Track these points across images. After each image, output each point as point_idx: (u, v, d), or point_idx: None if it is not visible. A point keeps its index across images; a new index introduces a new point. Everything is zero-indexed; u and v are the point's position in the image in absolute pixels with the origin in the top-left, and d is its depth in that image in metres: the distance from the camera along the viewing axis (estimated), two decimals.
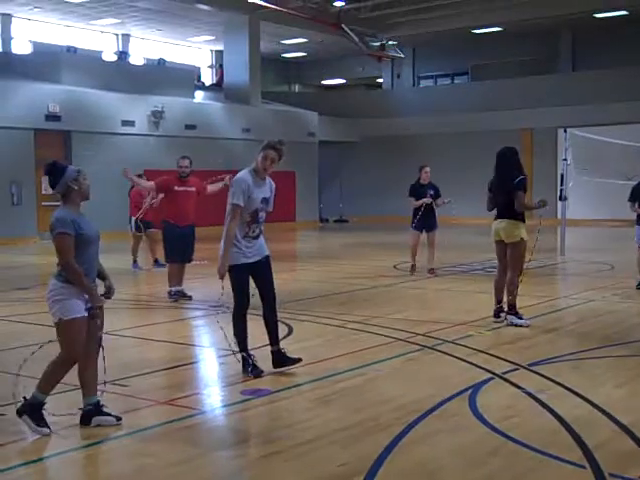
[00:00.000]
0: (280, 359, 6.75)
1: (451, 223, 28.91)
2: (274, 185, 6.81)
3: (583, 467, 4.43)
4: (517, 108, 30.45)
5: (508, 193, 8.84)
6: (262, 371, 6.59)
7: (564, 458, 4.57)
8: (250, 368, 6.58)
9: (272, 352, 6.76)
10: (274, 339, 6.79)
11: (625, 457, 4.64)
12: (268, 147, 6.61)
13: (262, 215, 6.66)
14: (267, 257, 6.77)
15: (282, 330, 7.49)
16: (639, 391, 6.13)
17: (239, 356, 6.64)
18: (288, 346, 7.12)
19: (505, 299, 9.04)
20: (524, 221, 8.95)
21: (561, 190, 17.07)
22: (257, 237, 6.68)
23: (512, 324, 8.81)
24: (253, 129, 27.76)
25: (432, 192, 13.70)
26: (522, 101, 30.53)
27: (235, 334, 6.68)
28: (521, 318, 8.87)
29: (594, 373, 6.72)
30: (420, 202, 13.60)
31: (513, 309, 8.94)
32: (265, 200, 6.65)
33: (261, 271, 6.70)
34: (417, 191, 13.71)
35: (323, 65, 38.46)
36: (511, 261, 8.96)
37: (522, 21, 30.35)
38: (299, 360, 6.75)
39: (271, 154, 6.58)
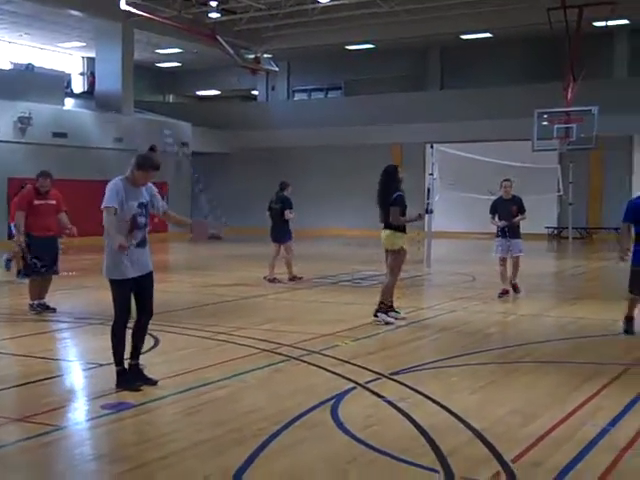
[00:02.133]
0: (135, 374, 6.64)
1: (321, 235, 29.32)
2: (154, 187, 6.71)
3: (436, 471, 4.60)
4: (388, 123, 31.21)
5: (388, 207, 9.82)
6: (139, 384, 6.49)
7: (419, 463, 4.72)
8: (126, 382, 6.47)
9: (130, 365, 6.64)
10: (136, 353, 6.69)
11: (477, 461, 4.82)
12: (152, 168, 6.49)
13: (142, 221, 6.52)
14: (151, 273, 6.67)
15: (148, 342, 7.39)
16: (493, 398, 6.38)
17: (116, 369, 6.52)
18: (154, 358, 7.05)
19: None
20: (404, 232, 9.92)
21: (427, 203, 17.62)
22: (142, 245, 6.56)
23: (382, 322, 9.68)
24: (125, 138, 27.30)
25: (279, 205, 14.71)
26: (393, 117, 31.32)
27: (113, 347, 6.54)
28: (389, 316, 9.80)
29: (452, 381, 6.97)
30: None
31: (385, 307, 9.86)
32: (143, 205, 6.53)
33: (143, 286, 6.58)
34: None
35: (198, 76, 38.30)
36: (390, 267, 9.98)
37: (393, 39, 31.19)
38: (154, 383, 6.61)
39: (152, 174, 6.51)
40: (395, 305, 10.20)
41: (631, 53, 30.62)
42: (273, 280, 14.34)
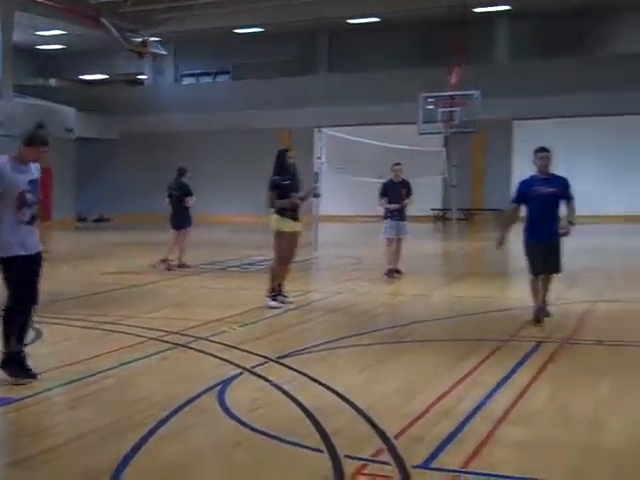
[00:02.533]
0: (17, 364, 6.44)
1: (210, 221, 29.17)
2: (39, 167, 6.56)
3: (320, 451, 4.71)
4: (276, 108, 31.24)
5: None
6: (34, 374, 6.34)
7: (304, 444, 4.83)
8: (20, 372, 6.31)
9: (9, 354, 6.40)
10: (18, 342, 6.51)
11: (360, 439, 4.96)
12: (40, 143, 6.36)
13: (31, 197, 6.37)
14: (39, 253, 6.49)
15: (31, 334, 7.23)
16: (378, 377, 6.57)
17: None
18: (37, 350, 6.91)
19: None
20: (291, 217, 10.02)
21: (315, 187, 17.75)
22: (31, 223, 6.39)
23: (267, 306, 9.78)
24: (5, 123, 26.33)
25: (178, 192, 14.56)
26: (281, 101, 31.37)
27: (7, 332, 6.31)
28: (274, 300, 9.93)
29: (338, 362, 7.13)
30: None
31: (271, 292, 9.96)
32: (33, 182, 6.37)
33: (30, 267, 6.41)
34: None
35: (82, 59, 37.25)
36: (273, 250, 10.20)
37: (281, 23, 31.17)
38: (34, 376, 6.36)
39: (42, 150, 6.38)
40: (284, 289, 10.30)
41: (511, 39, 31.59)
42: (183, 265, 14.37)
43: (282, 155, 10.19)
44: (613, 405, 5.66)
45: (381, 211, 13.33)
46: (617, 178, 27.86)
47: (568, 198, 8.77)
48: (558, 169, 8.86)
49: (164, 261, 14.24)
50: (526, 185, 8.85)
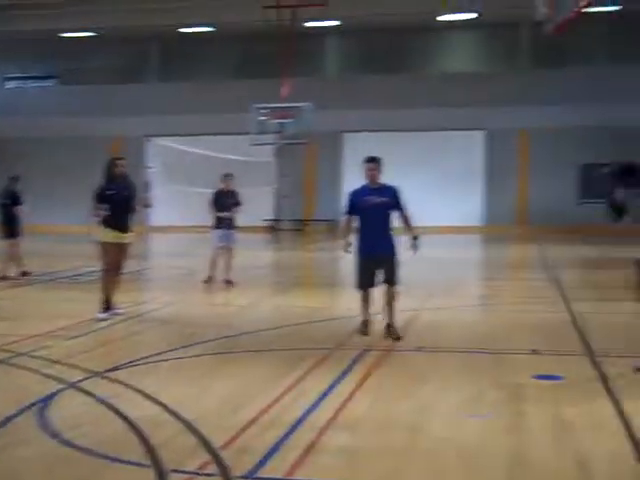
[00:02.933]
0: None
1: (38, 230, 28.07)
2: None
3: (146, 466, 4.66)
4: (107, 115, 30.50)
5: None
6: None
7: (128, 460, 4.76)
8: None
9: None
10: None
11: (187, 452, 4.94)
12: None
13: None
14: None
15: None
16: (206, 389, 6.55)
17: None
18: None
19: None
20: (114, 227, 9.86)
21: (146, 197, 17.48)
22: None
23: (96, 318, 9.60)
24: None
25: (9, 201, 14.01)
26: (111, 108, 30.63)
27: None
28: (105, 312, 9.75)
29: (167, 374, 7.07)
30: None
31: (103, 304, 9.79)
32: None
33: None
34: None
35: None
36: (100, 261, 10.09)
37: (112, 28, 30.46)
38: None
39: None
40: (114, 301, 10.06)
41: (341, 53, 32.45)
42: (26, 274, 13.95)
43: (111, 164, 9.99)
44: (432, 409, 5.93)
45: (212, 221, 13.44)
46: (445, 190, 29.17)
47: (399, 208, 8.61)
48: (385, 181, 8.95)
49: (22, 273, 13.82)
50: (356, 195, 8.70)
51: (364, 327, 8.73)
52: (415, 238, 8.52)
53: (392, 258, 8.57)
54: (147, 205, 11.17)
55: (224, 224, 13.23)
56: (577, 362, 7.46)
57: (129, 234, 10.03)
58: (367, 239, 8.54)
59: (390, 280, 8.58)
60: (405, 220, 8.66)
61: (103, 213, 9.83)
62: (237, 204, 13.35)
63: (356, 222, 8.73)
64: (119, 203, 9.82)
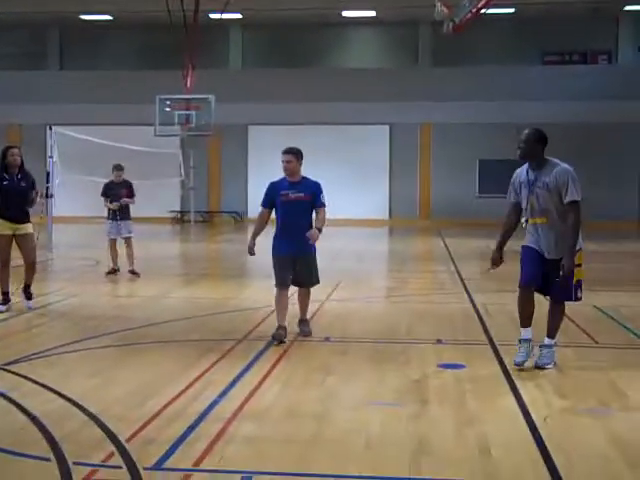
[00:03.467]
0: None
1: None
2: None
3: (47, 459, 4.56)
4: (4, 102, 29.57)
5: None
6: None
7: (29, 453, 4.65)
8: None
9: None
10: None
11: (91, 444, 4.86)
12: None
13: None
14: None
15: None
16: (111, 380, 6.45)
17: None
18: None
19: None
20: (4, 218, 9.54)
21: (47, 187, 17.11)
22: None
23: None
24: None
25: None
26: (9, 95, 29.71)
27: None
28: (3, 304, 9.55)
29: (70, 366, 6.92)
30: None
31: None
32: None
33: None
34: None
35: None
36: None
37: (9, 13, 29.49)
38: None
39: None
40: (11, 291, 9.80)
41: (243, 46, 32.36)
42: None
43: (3, 154, 9.67)
44: (338, 398, 5.99)
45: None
46: (351, 183, 29.41)
47: (317, 205, 8.02)
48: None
49: None
50: (273, 188, 8.11)
51: (281, 332, 7.89)
52: (317, 229, 7.96)
53: (309, 258, 8.12)
54: (47, 196, 10.88)
55: (115, 215, 13.21)
56: (479, 351, 7.66)
57: (25, 225, 9.71)
58: (283, 237, 8.03)
59: (307, 280, 8.19)
60: (318, 217, 8.07)
61: None
62: (130, 194, 13.33)
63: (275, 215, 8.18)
64: (11, 194, 9.53)
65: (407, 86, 29.03)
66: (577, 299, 6.83)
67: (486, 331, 8.66)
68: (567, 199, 6.53)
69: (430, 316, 9.74)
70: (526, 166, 6.82)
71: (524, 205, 6.79)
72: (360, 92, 28.81)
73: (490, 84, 28.65)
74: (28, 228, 9.78)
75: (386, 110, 29.15)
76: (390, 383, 6.41)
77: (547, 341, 6.89)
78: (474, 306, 10.37)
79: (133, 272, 13.03)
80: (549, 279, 6.74)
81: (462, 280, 13.12)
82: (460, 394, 6.10)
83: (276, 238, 8.10)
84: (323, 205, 8.06)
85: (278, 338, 7.80)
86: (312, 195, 8.04)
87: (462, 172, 29.53)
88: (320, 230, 7.99)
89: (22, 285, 9.83)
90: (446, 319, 9.49)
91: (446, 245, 20.38)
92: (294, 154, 8.05)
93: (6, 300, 9.67)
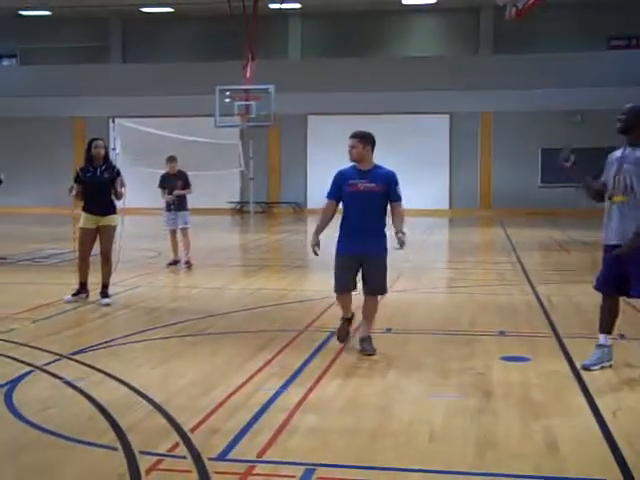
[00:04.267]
0: None
1: (1, 213, 27.68)
2: None
3: (115, 449, 4.62)
4: (68, 95, 30.12)
5: None
6: None
7: (96, 443, 4.71)
8: None
9: None
10: None
11: (156, 434, 4.91)
12: None
13: None
14: None
15: None
16: (174, 371, 6.51)
17: None
18: None
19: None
20: (86, 211, 9.76)
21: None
22: None
23: (64, 301, 9.58)
24: None
25: None
26: (74, 88, 30.25)
27: None
28: (74, 295, 9.76)
29: (133, 356, 7.00)
30: None
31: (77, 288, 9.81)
32: None
33: None
34: None
35: None
36: None
37: (71, 7, 30.03)
38: None
39: None
40: (88, 285, 9.90)
41: (303, 36, 32.34)
42: None
43: (88, 145, 9.79)
44: (400, 391, 5.95)
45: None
46: (411, 173, 29.20)
47: (393, 199, 7.06)
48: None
49: None
50: (342, 177, 7.12)
51: (341, 331, 7.40)
52: (402, 233, 6.94)
53: (379, 260, 7.07)
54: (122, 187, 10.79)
55: (172, 206, 13.27)
56: (544, 343, 7.53)
57: (108, 217, 9.77)
58: (349, 234, 7.07)
59: (374, 289, 7.12)
60: (395, 213, 7.09)
61: (76, 193, 9.67)
62: (185, 185, 13.33)
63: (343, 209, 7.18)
64: (94, 186, 9.63)
65: (468, 74, 28.69)
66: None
67: (551, 323, 8.50)
68: None
69: (493, 308, 9.61)
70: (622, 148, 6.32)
71: (610, 185, 6.26)
72: (420, 81, 28.59)
73: (554, 71, 28.11)
74: (111, 220, 9.79)
75: (447, 99, 28.87)
76: (453, 376, 6.34)
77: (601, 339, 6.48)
78: (537, 298, 10.20)
79: (187, 263, 13.12)
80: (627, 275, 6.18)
81: (524, 271, 12.92)
82: (525, 388, 6.00)
83: (341, 234, 7.14)
84: (399, 199, 7.08)
85: (341, 338, 7.35)
86: (386, 186, 7.00)
87: (524, 161, 29.11)
88: (403, 232, 6.95)
89: (100, 285, 9.80)
90: (509, 311, 9.36)
91: (508, 235, 20.09)
92: (359, 138, 7.03)
93: (81, 291, 9.79)
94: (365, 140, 7.05)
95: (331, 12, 31.03)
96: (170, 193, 13.24)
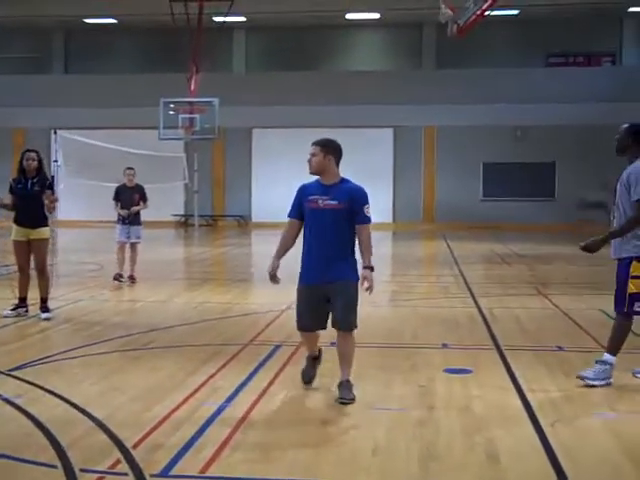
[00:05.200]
0: None
1: None
2: None
3: (54, 467, 4.54)
4: (9, 106, 29.66)
5: None
6: None
7: (36, 460, 4.63)
8: None
9: None
10: None
11: (97, 451, 4.84)
12: None
13: None
14: None
15: None
16: (115, 386, 6.42)
17: None
18: None
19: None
20: (17, 224, 9.60)
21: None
22: None
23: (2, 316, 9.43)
24: None
25: None
26: (14, 99, 29.80)
27: None
28: (13, 310, 9.60)
29: (73, 372, 6.89)
30: None
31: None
32: None
33: None
34: None
35: None
36: None
37: (12, 17, 29.57)
38: None
39: None
40: (25, 298, 9.74)
41: (247, 49, 32.38)
42: None
43: (21, 156, 9.64)
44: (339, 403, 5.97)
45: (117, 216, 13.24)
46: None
47: (357, 220, 5.95)
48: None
49: None
50: (302, 192, 6.11)
51: (310, 369, 6.46)
52: (368, 268, 5.95)
53: (345, 290, 5.99)
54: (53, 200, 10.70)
55: (126, 219, 13.01)
56: (485, 356, 7.63)
57: (39, 230, 9.61)
58: (309, 261, 6.05)
59: (340, 322, 6.06)
60: (359, 239, 6.02)
61: (7, 205, 9.51)
62: (143, 199, 13.12)
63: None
64: (24, 198, 9.47)
65: (411, 89, 29.04)
66: (632, 313, 6.28)
67: (492, 336, 8.62)
68: (633, 197, 6.15)
69: (436, 320, 9.71)
70: None
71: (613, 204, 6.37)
72: (364, 95, 28.86)
73: (494, 86, 28.65)
74: (42, 234, 9.60)
75: (390, 113, 29.16)
76: (396, 388, 6.39)
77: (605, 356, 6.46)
78: (479, 310, 10.34)
79: (131, 277, 12.99)
80: None
81: (467, 284, 13.09)
82: (467, 400, 6.07)
83: (302, 261, 6.13)
84: (365, 221, 5.98)
85: (305, 379, 6.41)
86: (349, 203, 5.93)
87: (466, 175, 29.53)
88: (371, 268, 5.96)
89: (38, 299, 9.64)
90: (452, 323, 9.46)
91: (450, 249, 20.34)
92: (320, 146, 6.01)
93: (20, 306, 9.62)
94: (327, 149, 6.01)
95: (276, 26, 31.16)
96: (124, 206, 12.94)
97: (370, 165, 29.58)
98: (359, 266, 6.03)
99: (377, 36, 32.30)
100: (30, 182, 9.51)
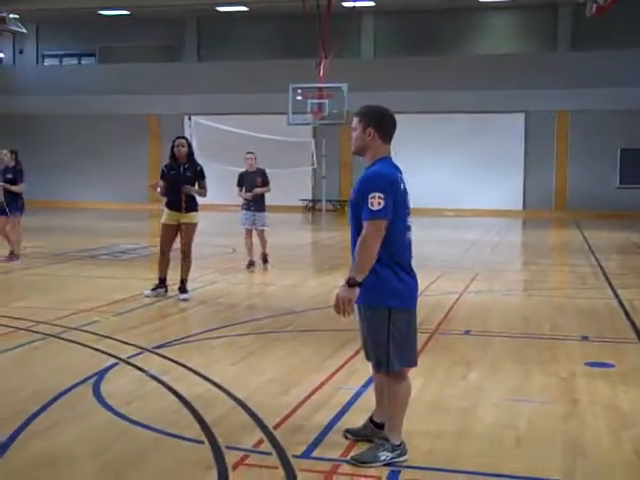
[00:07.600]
0: None
1: (73, 207, 28.29)
2: None
3: (201, 442, 4.68)
4: (144, 93, 30.69)
5: None
6: None
7: (183, 436, 4.78)
8: None
9: None
10: None
11: (240, 429, 4.95)
12: None
13: None
14: None
15: None
16: (252, 367, 6.55)
17: None
18: None
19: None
20: (168, 207, 9.96)
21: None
22: None
23: (143, 295, 9.79)
24: None
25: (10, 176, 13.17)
26: (149, 86, 30.82)
27: None
28: (153, 290, 9.92)
29: (213, 352, 7.08)
30: None
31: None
32: None
33: None
34: None
35: None
36: None
37: (149, 7, 30.52)
38: None
39: None
40: (167, 280, 10.06)
41: (376, 34, 32.23)
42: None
43: (172, 143, 9.98)
44: (482, 393, 5.88)
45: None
46: (484, 173, 28.92)
47: (362, 214, 4.38)
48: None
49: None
50: (393, 182, 4.43)
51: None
52: (348, 284, 4.47)
53: (368, 313, 4.57)
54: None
55: (250, 205, 12.89)
56: (629, 350, 7.35)
57: (189, 214, 9.87)
58: (405, 274, 4.50)
59: (373, 358, 4.59)
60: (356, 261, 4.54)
61: (160, 189, 9.85)
62: (264, 183, 12.93)
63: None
64: (176, 184, 9.76)
65: (545, 72, 28.20)
66: None
67: (635, 328, 8.29)
68: None
69: (573, 311, 9.42)
70: None
71: None
72: (496, 79, 28.26)
73: (635, 68, 27.43)
74: (192, 218, 9.91)
75: (522, 97, 28.44)
76: (536, 380, 6.24)
77: None
78: (620, 302, 9.96)
79: (264, 256, 12.93)
80: None
81: (605, 274, 12.63)
82: (612, 395, 5.86)
83: (395, 277, 4.49)
84: (367, 217, 4.34)
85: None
86: (359, 194, 4.43)
87: (602, 162, 28.46)
88: (350, 282, 4.45)
89: (178, 280, 9.94)
90: (591, 315, 9.16)
91: (585, 237, 19.69)
92: (360, 116, 4.59)
93: (159, 286, 9.94)
94: (366, 119, 4.49)
95: (405, 10, 30.84)
96: (248, 190, 12.90)
97: (500, 151, 29.01)
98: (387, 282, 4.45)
99: (510, 18, 31.49)
100: (182, 168, 9.81)
